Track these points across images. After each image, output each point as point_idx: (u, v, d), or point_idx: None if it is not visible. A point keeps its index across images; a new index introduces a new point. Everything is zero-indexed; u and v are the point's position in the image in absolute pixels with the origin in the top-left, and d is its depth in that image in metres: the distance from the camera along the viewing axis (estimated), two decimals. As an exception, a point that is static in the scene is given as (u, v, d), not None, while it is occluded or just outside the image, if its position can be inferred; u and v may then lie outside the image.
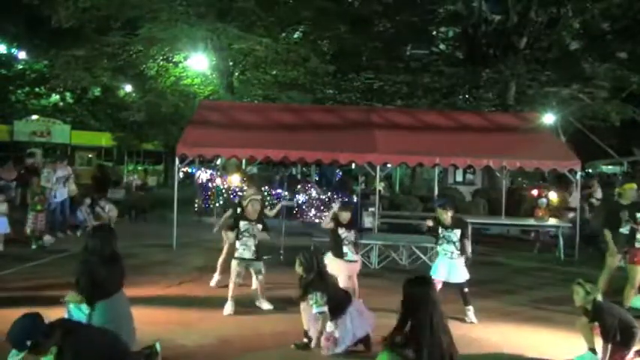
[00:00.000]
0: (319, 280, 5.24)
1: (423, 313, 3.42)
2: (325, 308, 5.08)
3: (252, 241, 6.50)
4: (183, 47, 16.52)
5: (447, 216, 6.49)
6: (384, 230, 12.55)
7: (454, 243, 6.43)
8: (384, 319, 5.97)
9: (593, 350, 4.99)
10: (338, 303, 5.19)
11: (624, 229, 7.18)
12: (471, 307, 6.36)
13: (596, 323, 4.88)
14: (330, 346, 5.08)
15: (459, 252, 6.42)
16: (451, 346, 3.54)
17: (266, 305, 6.52)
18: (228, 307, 6.35)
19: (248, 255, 6.51)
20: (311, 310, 5.17)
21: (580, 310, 5.14)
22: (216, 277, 7.56)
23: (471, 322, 6.22)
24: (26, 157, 12.59)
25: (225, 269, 7.28)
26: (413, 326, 3.43)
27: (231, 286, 6.45)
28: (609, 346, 4.79)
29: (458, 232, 6.44)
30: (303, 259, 5.33)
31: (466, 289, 6.37)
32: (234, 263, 6.54)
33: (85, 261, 4.49)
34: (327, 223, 6.94)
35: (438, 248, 6.58)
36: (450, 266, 6.39)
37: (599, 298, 4.97)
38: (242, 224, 6.54)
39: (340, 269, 6.49)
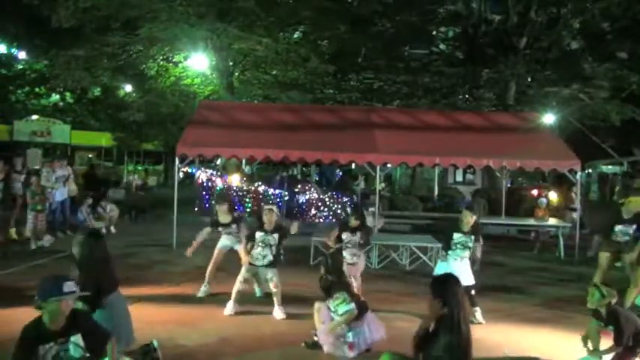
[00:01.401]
0: (340, 282, 5.27)
1: (453, 305, 3.44)
2: (353, 305, 5.10)
3: (269, 250, 6.44)
4: (183, 47, 16.51)
5: (472, 219, 6.44)
6: (384, 230, 12.57)
7: (469, 248, 6.45)
8: (385, 319, 6.00)
9: (597, 349, 4.98)
10: (358, 308, 5.21)
11: (614, 237, 7.28)
12: (478, 309, 6.36)
13: (611, 327, 4.84)
14: (344, 350, 5.08)
15: (468, 256, 6.44)
16: (470, 341, 3.57)
17: (280, 314, 6.33)
18: (230, 308, 6.35)
19: (260, 263, 6.45)
20: (327, 312, 5.19)
21: (590, 311, 5.09)
22: (203, 288, 7.25)
23: (479, 323, 6.21)
24: (15, 156, 12.71)
25: (211, 279, 7.27)
26: (443, 317, 3.45)
27: (235, 287, 6.42)
28: (619, 350, 4.75)
29: (474, 237, 6.46)
30: (327, 260, 5.44)
31: (473, 292, 6.36)
32: (244, 269, 6.53)
33: (87, 265, 4.46)
34: (331, 239, 6.96)
35: (450, 252, 6.48)
36: (455, 269, 6.35)
37: (614, 301, 4.93)
38: (258, 235, 6.50)
39: None
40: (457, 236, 6.45)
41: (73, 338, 3.52)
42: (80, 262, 4.46)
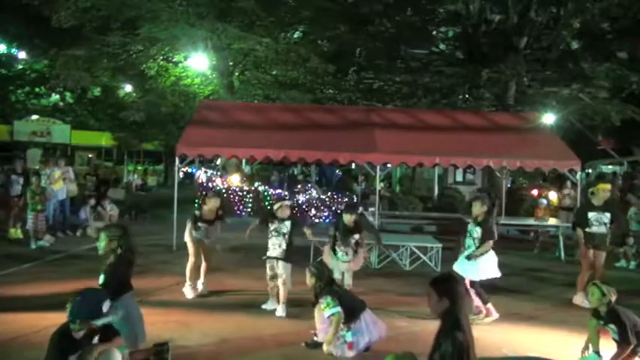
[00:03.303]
0: (329, 287, 5.28)
1: (460, 306, 3.45)
2: (338, 309, 5.10)
3: (282, 239, 6.49)
4: (183, 47, 16.51)
5: (479, 210, 6.51)
6: (384, 230, 12.58)
7: (474, 239, 6.46)
8: (386, 319, 6.00)
9: (597, 353, 4.98)
10: (352, 309, 5.22)
11: (591, 229, 7.35)
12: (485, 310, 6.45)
13: (611, 326, 4.84)
14: (343, 349, 5.09)
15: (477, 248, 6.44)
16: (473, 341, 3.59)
17: (280, 311, 6.38)
18: (278, 308, 6.43)
19: (275, 254, 6.50)
20: (323, 313, 5.20)
21: (589, 310, 5.12)
22: (189, 288, 7.22)
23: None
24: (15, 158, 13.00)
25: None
26: (450, 315, 3.46)
27: (269, 284, 6.59)
28: (628, 349, 4.74)
29: (479, 229, 6.45)
30: (314, 270, 5.41)
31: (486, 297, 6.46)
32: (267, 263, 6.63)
33: (119, 260, 4.44)
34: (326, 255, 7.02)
35: (465, 241, 6.61)
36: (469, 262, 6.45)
37: (614, 300, 4.92)
38: (271, 225, 6.57)
39: (333, 264, 6.63)
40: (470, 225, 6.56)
41: (94, 340, 3.71)
42: (121, 252, 4.44)
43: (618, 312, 4.83)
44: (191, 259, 7.21)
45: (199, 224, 7.18)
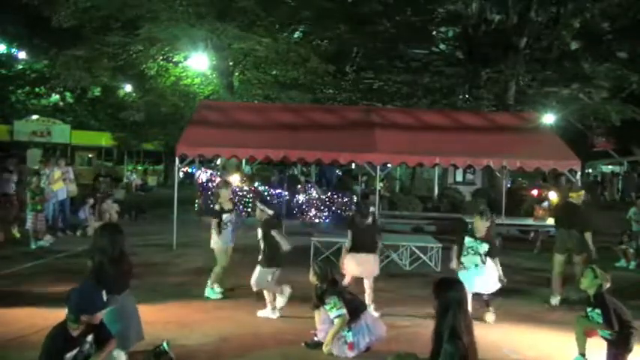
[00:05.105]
0: (333, 288, 5.29)
1: (460, 314, 3.47)
2: (344, 310, 5.12)
3: (260, 244, 6.37)
4: (183, 47, 16.51)
5: (482, 226, 6.32)
6: (384, 230, 12.57)
7: (480, 255, 6.29)
8: (386, 319, 6.01)
9: (583, 355, 5.01)
10: (354, 309, 5.23)
11: None
12: (491, 309, 6.44)
13: (597, 311, 4.86)
14: (343, 349, 5.10)
15: (484, 263, 6.29)
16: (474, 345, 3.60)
17: (269, 313, 6.32)
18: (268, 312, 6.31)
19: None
20: (326, 314, 5.21)
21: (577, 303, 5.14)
22: (216, 289, 7.20)
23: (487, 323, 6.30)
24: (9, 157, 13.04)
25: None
26: (452, 327, 3.47)
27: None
28: (613, 331, 4.76)
29: (486, 246, 6.28)
30: (317, 269, 5.40)
31: (485, 296, 6.42)
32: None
33: (92, 261, 4.44)
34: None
35: (463, 259, 6.37)
36: (479, 275, 6.31)
37: (606, 286, 4.92)
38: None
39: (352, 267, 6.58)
40: (468, 240, 6.35)
41: (88, 338, 3.67)
42: (99, 254, 4.42)
43: (605, 296, 4.89)
44: (220, 264, 7.15)
45: (224, 217, 7.08)
